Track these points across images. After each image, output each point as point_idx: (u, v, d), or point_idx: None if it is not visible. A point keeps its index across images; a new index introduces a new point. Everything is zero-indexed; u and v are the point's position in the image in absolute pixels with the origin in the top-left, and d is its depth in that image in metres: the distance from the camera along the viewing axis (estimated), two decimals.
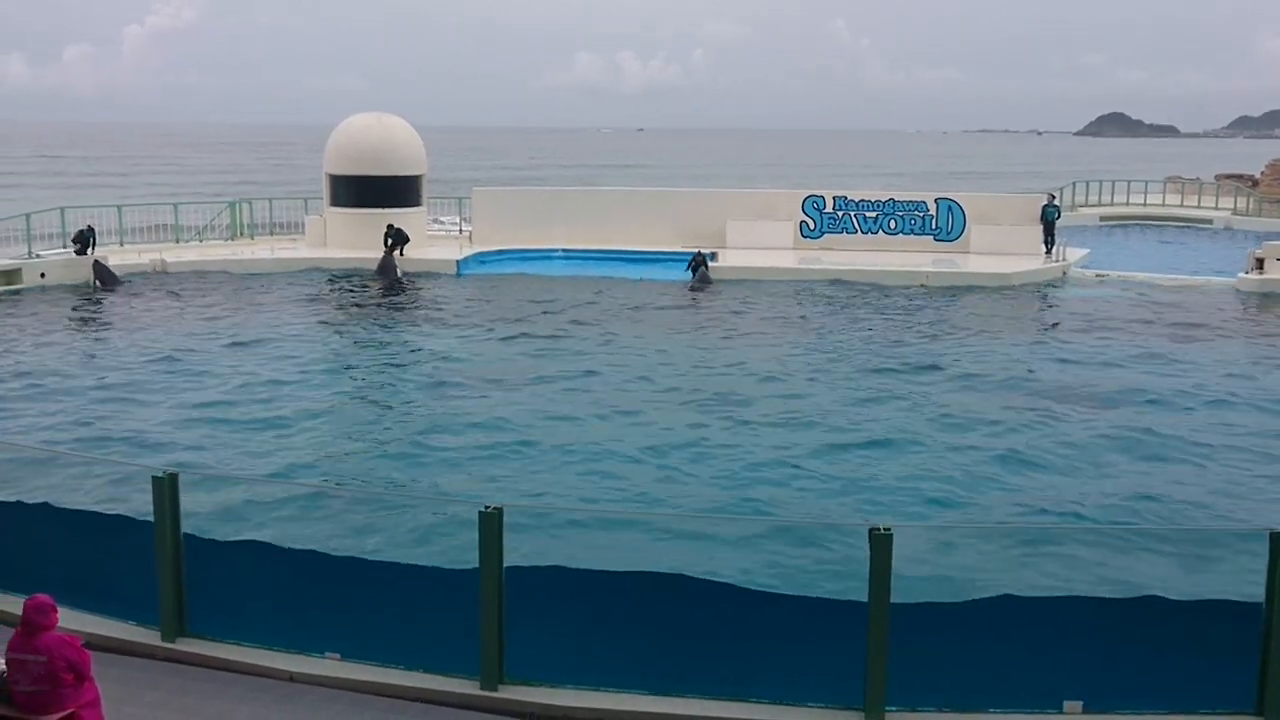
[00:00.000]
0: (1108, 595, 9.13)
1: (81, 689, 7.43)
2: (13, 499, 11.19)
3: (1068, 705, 8.45)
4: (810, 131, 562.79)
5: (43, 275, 31.46)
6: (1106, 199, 58.61)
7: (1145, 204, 57.93)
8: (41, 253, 32.70)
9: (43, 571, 9.94)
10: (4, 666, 7.49)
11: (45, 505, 10.75)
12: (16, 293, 30.42)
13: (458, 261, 35.47)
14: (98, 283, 31.46)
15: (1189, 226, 53.45)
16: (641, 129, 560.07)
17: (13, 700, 7.41)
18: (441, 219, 41.82)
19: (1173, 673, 8.41)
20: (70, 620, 8.61)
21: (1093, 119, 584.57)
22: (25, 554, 10.40)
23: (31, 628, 7.37)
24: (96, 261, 31.97)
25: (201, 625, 9.72)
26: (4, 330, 26.03)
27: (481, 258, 36.63)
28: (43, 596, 7.52)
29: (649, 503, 15.09)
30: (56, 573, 9.92)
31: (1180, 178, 64.56)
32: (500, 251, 37.28)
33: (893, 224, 38.89)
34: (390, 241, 34.62)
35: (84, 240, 32.75)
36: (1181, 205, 57.06)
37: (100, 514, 10.68)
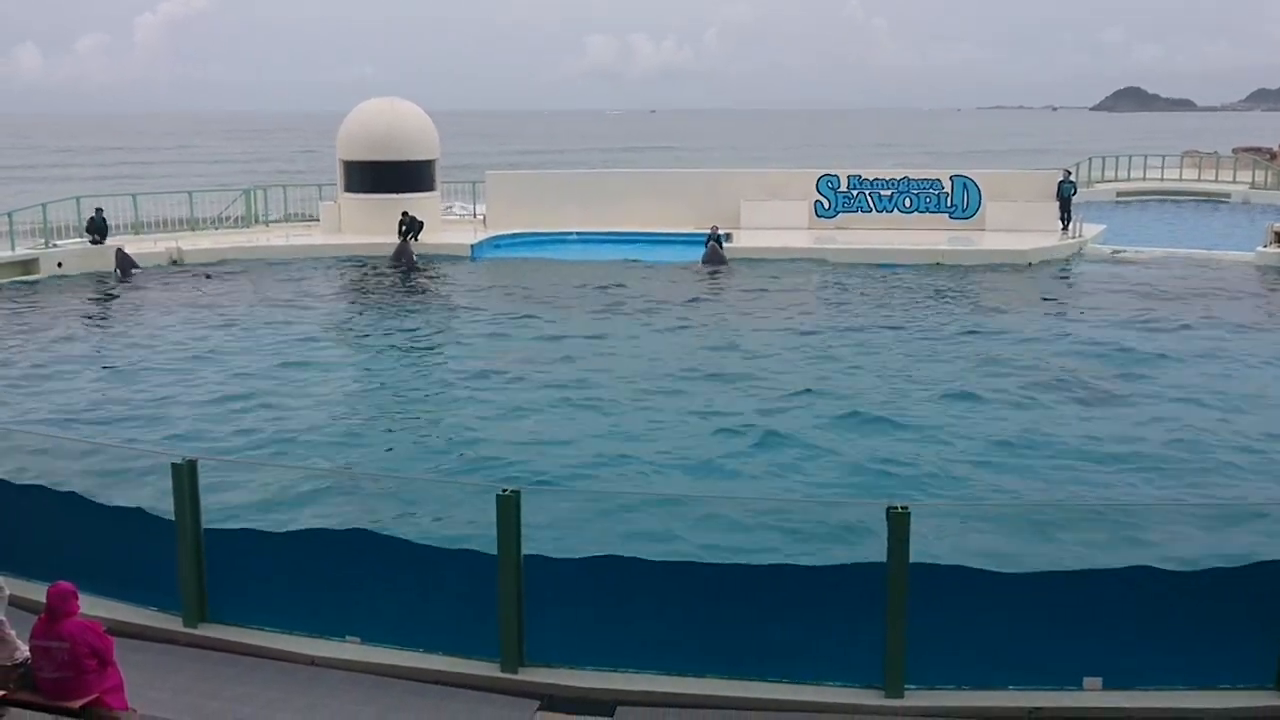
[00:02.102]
0: (1126, 571, 9.11)
1: (105, 674, 7.49)
2: (33, 486, 11.25)
3: (1087, 681, 8.45)
4: (824, 111, 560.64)
5: (59, 265, 31.61)
6: (1123, 174, 58.28)
7: (1162, 179, 57.58)
8: (58, 242, 32.84)
9: (64, 558, 10.00)
10: (28, 653, 7.55)
11: (66, 492, 10.82)
12: (34, 283, 30.57)
13: (472, 246, 35.49)
14: (119, 271, 31.62)
15: (1206, 201, 53.15)
16: (654, 111, 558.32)
17: (38, 687, 7.48)
18: (453, 205, 41.77)
19: (1192, 648, 8.40)
20: (92, 607, 8.67)
21: (1109, 94, 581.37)
22: (46, 541, 10.47)
23: (54, 614, 7.43)
24: (119, 250, 32.14)
25: (223, 610, 9.78)
26: (24, 320, 26.16)
27: (496, 242, 36.64)
28: (64, 583, 7.57)
29: (665, 484, 15.10)
30: (78, 560, 9.98)
31: (1197, 152, 64.17)
32: (514, 235, 37.28)
33: (907, 202, 38.74)
34: (405, 229, 34.66)
35: (98, 228, 32.87)
36: (1199, 180, 56.73)
37: (118, 501, 10.75)
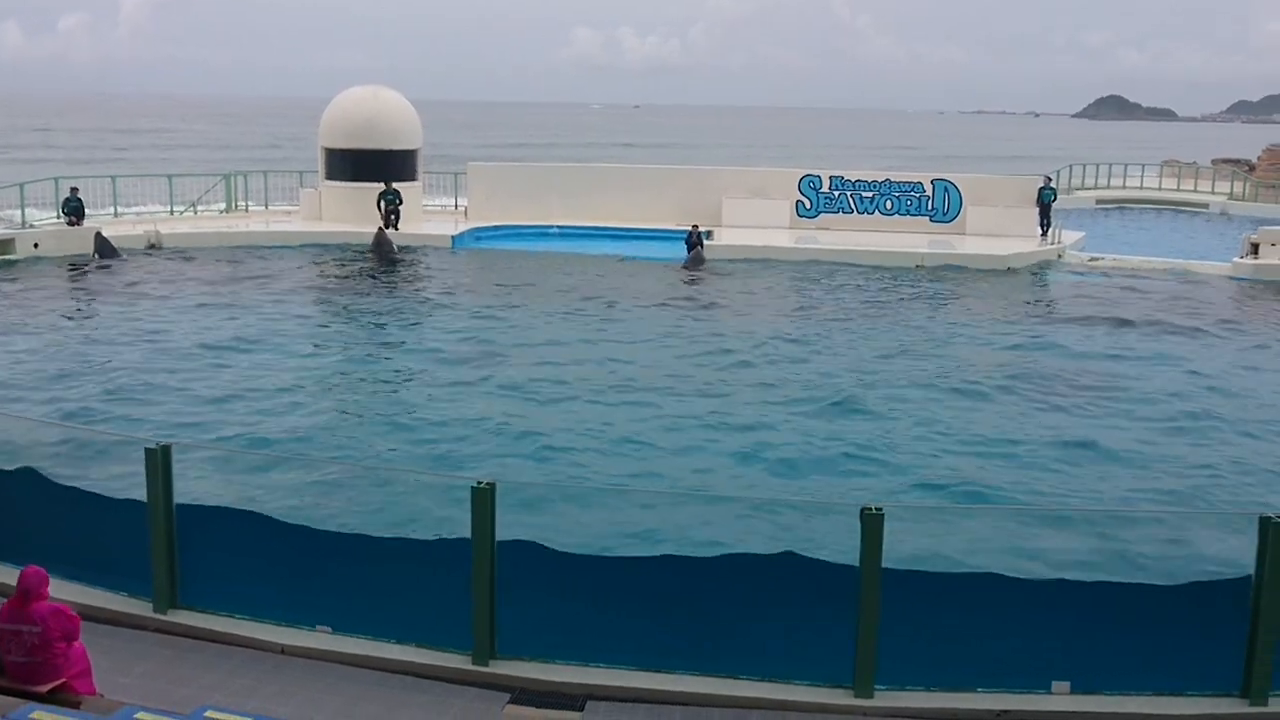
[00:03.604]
0: (1095, 577, 9.18)
1: (71, 656, 7.45)
2: (4, 469, 11.17)
3: (1055, 685, 8.51)
4: (808, 110, 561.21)
5: (36, 245, 31.35)
6: (1103, 182, 58.57)
7: (1141, 187, 57.94)
8: (35, 223, 32.60)
9: (33, 542, 9.95)
10: None
11: (37, 476, 10.74)
12: (10, 263, 30.32)
13: (453, 237, 35.42)
14: (97, 255, 31.39)
15: (1185, 210, 53.47)
16: (638, 106, 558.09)
17: (5, 670, 7.43)
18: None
19: (1160, 654, 8.47)
20: (61, 591, 8.61)
21: (1091, 101, 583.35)
22: (16, 525, 10.41)
23: (26, 598, 7.39)
24: (98, 233, 31.92)
25: (193, 597, 9.74)
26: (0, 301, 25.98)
27: (477, 233, 36.56)
28: (37, 568, 7.53)
29: (642, 480, 15.11)
30: (47, 543, 9.93)
31: (1177, 161, 64.50)
32: (495, 227, 37.21)
33: (889, 204, 38.85)
34: (384, 205, 34.61)
35: (74, 209, 32.63)
36: (1178, 189, 57.04)
37: (92, 485, 10.69)
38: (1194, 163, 62.62)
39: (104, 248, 31.61)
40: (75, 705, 7.18)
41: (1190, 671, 8.49)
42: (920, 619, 8.54)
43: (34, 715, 6.40)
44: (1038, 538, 13.11)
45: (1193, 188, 56.78)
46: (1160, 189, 57.62)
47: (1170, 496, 14.97)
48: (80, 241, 31.89)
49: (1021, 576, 9.24)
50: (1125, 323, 26.01)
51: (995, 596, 8.62)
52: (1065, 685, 8.50)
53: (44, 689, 7.33)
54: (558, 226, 37.45)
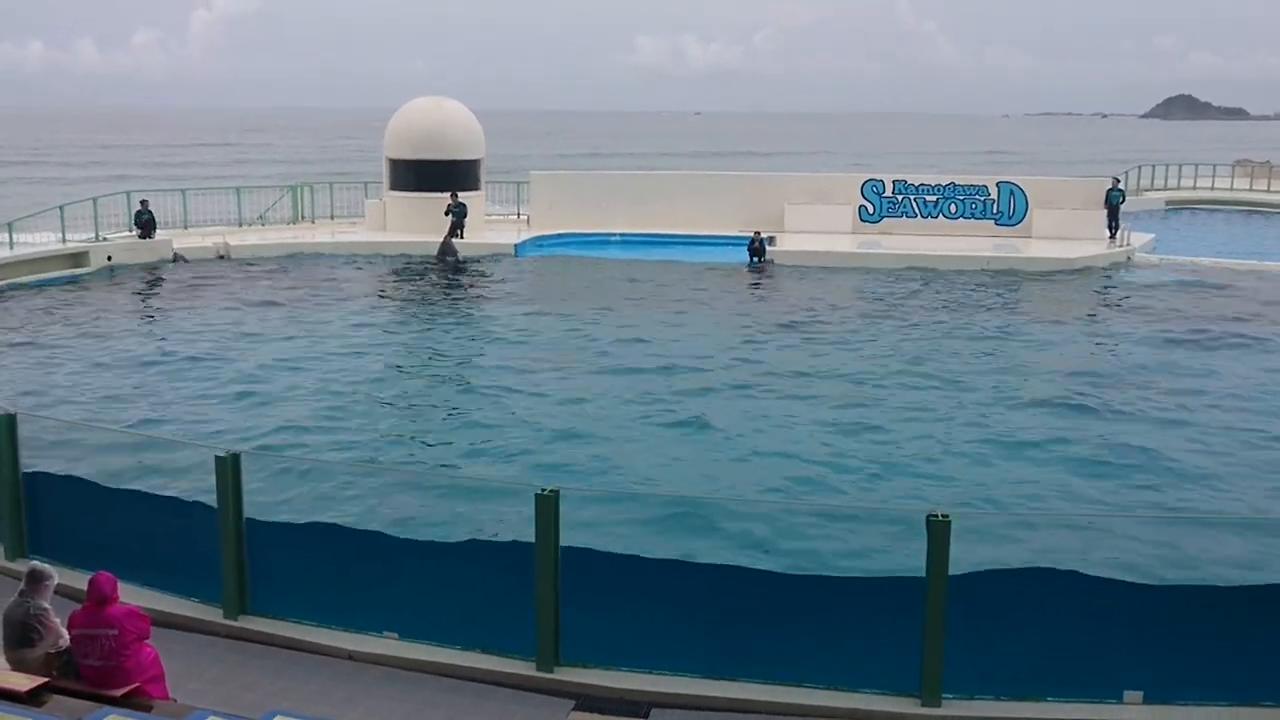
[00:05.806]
0: (1169, 584, 9.00)
1: (144, 660, 7.57)
2: (77, 476, 11.39)
3: (1128, 695, 8.36)
4: (872, 115, 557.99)
5: (109, 258, 32.00)
6: (1173, 183, 57.48)
7: (1213, 188, 56.80)
8: (108, 236, 33.30)
9: (106, 548, 10.13)
10: (68, 641, 7.64)
11: (110, 483, 10.95)
12: (85, 275, 30.96)
13: (516, 245, 35.63)
14: (176, 259, 32.47)
15: (1258, 211, 52.39)
16: (699, 112, 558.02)
17: (80, 674, 7.56)
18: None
19: (1234, 664, 8.29)
20: (133, 596, 8.76)
21: (1160, 101, 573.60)
22: (90, 531, 10.61)
23: (102, 602, 7.52)
24: (176, 252, 32.98)
25: (262, 603, 9.86)
26: (72, 312, 26.49)
27: (539, 241, 36.76)
28: (108, 573, 7.68)
29: (704, 487, 15.08)
30: (120, 549, 10.10)
31: (1250, 161, 63.22)
32: (558, 235, 37.38)
33: (953, 208, 38.48)
34: (452, 217, 34.92)
35: (145, 223, 33.39)
36: (1250, 189, 55.91)
37: (163, 493, 10.87)
38: (1267, 162, 61.30)
39: (180, 257, 32.68)
40: (148, 709, 7.29)
41: (1267, 681, 8.30)
42: (988, 627, 8.43)
43: (109, 718, 6.52)
44: (1107, 544, 12.90)
45: (1266, 188, 55.64)
46: (1232, 189, 56.49)
47: (1244, 503, 14.67)
48: (151, 254, 32.62)
49: (1092, 583, 9.08)
50: (1197, 326, 25.52)
51: (1066, 604, 8.48)
52: (1138, 695, 8.35)
53: (118, 693, 7.45)
54: (619, 234, 37.55)
